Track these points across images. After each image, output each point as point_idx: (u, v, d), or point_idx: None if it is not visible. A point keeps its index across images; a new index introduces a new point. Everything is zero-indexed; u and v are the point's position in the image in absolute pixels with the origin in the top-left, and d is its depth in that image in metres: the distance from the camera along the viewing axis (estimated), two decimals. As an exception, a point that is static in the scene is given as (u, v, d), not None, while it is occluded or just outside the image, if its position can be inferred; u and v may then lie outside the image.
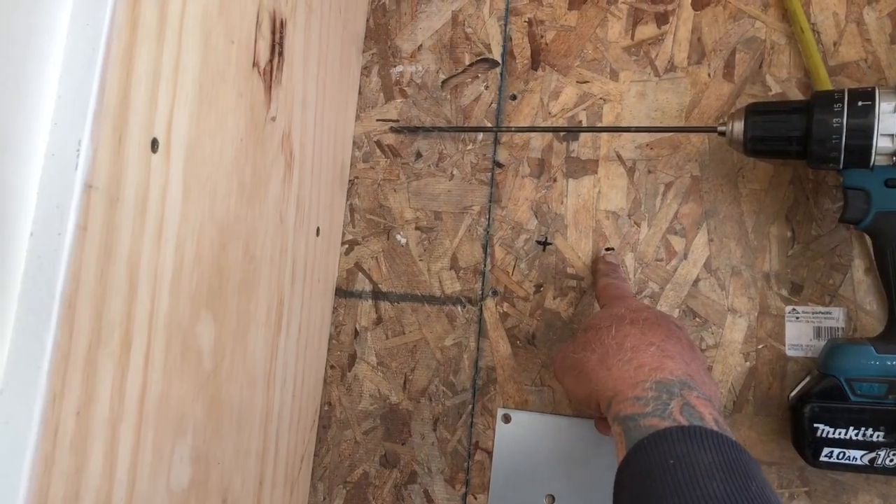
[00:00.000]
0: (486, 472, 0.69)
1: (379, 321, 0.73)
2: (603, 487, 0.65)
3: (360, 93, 0.77)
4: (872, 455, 0.55)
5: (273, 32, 0.56)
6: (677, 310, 0.67)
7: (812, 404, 0.56)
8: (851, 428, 0.55)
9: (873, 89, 0.54)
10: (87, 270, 0.37)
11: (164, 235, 0.44)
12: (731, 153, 0.67)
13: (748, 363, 0.65)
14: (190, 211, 0.46)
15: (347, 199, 0.76)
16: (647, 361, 0.48)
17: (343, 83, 0.72)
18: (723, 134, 0.61)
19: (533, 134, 0.72)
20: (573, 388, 0.54)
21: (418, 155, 0.75)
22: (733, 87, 0.68)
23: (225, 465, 0.54)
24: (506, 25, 0.74)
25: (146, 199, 0.42)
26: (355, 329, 0.74)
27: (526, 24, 0.74)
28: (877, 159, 0.54)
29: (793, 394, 0.60)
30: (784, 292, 0.65)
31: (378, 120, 0.76)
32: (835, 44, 0.65)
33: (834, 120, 0.55)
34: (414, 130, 0.75)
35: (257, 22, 0.53)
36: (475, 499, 0.69)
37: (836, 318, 0.63)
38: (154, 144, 0.42)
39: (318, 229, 0.68)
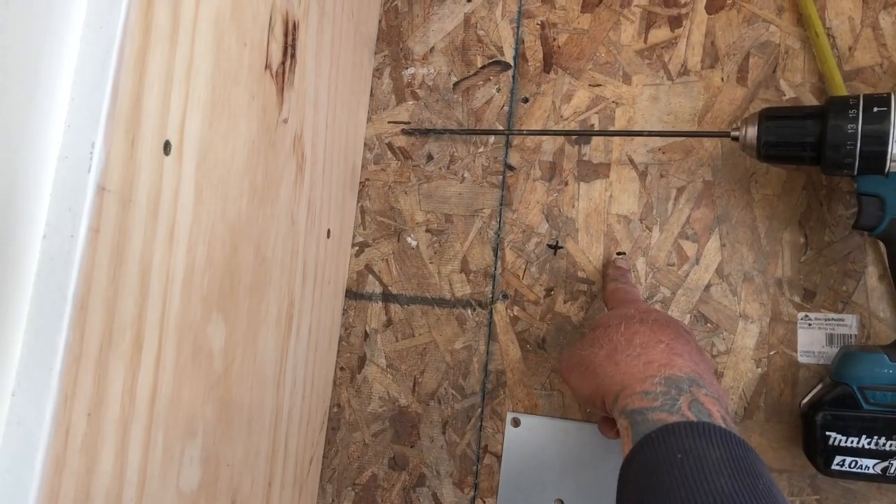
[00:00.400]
0: (494, 476, 0.68)
1: (389, 323, 0.73)
2: (612, 492, 0.65)
3: (371, 95, 0.77)
4: (885, 464, 0.55)
5: (285, 35, 0.56)
6: (688, 315, 0.66)
7: (824, 412, 0.56)
8: (864, 436, 0.55)
9: (889, 95, 0.54)
10: (99, 272, 0.37)
11: (176, 237, 0.44)
12: (744, 158, 0.67)
13: (760, 369, 0.64)
14: (202, 213, 0.46)
15: (358, 201, 0.76)
16: (657, 358, 0.48)
17: (355, 85, 0.72)
18: (736, 139, 0.60)
19: (544, 137, 0.72)
20: (579, 385, 0.53)
21: (429, 157, 0.75)
22: (747, 92, 0.68)
23: (235, 465, 0.54)
24: (518, 28, 0.74)
25: (158, 201, 0.42)
26: (365, 331, 0.74)
27: (538, 26, 0.74)
28: (892, 166, 0.54)
29: (804, 401, 0.60)
30: (796, 298, 0.64)
31: (389, 122, 0.76)
32: (850, 48, 0.65)
33: (849, 126, 0.54)
34: (425, 133, 0.75)
35: (270, 24, 0.53)
36: (483, 502, 0.69)
37: (849, 325, 0.63)
38: (167, 147, 0.42)
39: (328, 231, 0.68)
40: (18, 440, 0.35)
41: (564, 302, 0.69)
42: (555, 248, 0.70)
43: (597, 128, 0.71)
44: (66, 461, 0.37)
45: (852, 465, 0.55)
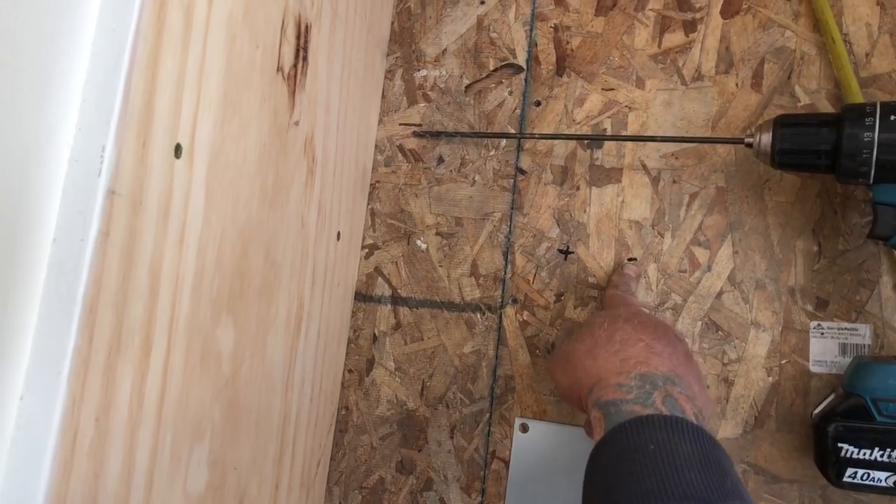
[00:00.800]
0: (502, 482, 0.68)
1: (398, 326, 0.73)
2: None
3: (383, 96, 0.77)
4: (898, 477, 0.54)
5: (298, 37, 0.56)
6: (700, 322, 0.66)
7: (836, 423, 0.55)
8: (877, 449, 0.54)
9: (906, 103, 0.53)
10: (108, 276, 0.37)
11: (186, 240, 0.44)
12: (758, 164, 0.66)
13: (771, 378, 0.64)
14: (212, 216, 0.46)
15: (368, 204, 0.75)
16: (634, 354, 0.49)
17: (367, 87, 0.72)
18: (750, 146, 0.60)
19: (556, 141, 0.71)
20: (560, 378, 0.54)
21: (440, 160, 0.74)
22: (761, 98, 0.67)
23: (242, 469, 0.54)
24: (531, 31, 0.74)
25: (169, 204, 0.42)
26: (374, 334, 0.74)
27: (552, 29, 0.73)
28: (908, 175, 0.53)
29: (816, 411, 0.59)
30: (809, 307, 0.64)
31: (401, 124, 0.76)
32: (867, 55, 0.64)
33: (865, 134, 0.53)
34: (436, 135, 0.74)
35: (282, 26, 0.53)
36: (491, 507, 0.68)
37: (862, 334, 0.62)
38: (178, 150, 0.42)
39: (338, 233, 0.68)
40: (26, 443, 0.35)
41: (574, 307, 0.69)
42: (565, 252, 0.69)
43: (609, 132, 0.70)
44: (74, 465, 0.36)
45: (864, 477, 0.55)
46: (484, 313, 0.71)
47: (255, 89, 0.50)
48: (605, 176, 0.70)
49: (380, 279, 0.74)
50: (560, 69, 0.73)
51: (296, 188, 0.58)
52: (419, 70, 0.76)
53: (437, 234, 0.73)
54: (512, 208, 0.72)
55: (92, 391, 0.37)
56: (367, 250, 0.75)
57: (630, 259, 0.68)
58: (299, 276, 0.60)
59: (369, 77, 0.73)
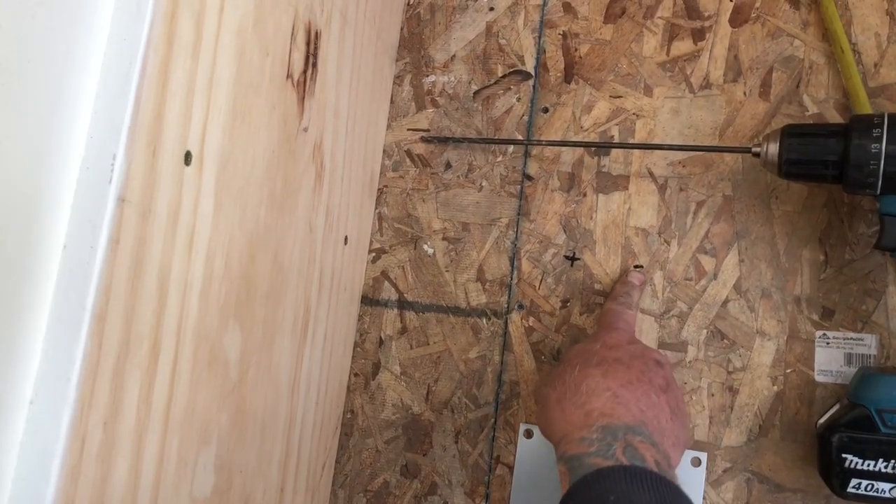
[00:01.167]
0: (506, 487, 0.68)
1: (404, 331, 0.74)
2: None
3: (391, 102, 0.77)
4: (901, 489, 0.54)
5: (307, 44, 0.56)
6: (705, 330, 0.66)
7: (840, 434, 0.55)
8: (881, 460, 0.54)
9: (914, 115, 0.53)
10: (118, 283, 0.38)
11: (195, 247, 0.44)
12: (765, 173, 0.66)
13: (776, 387, 0.64)
14: (220, 223, 0.47)
15: (376, 208, 0.76)
16: (599, 406, 0.51)
17: (375, 92, 0.72)
18: (757, 155, 0.60)
19: (564, 148, 0.71)
20: (539, 421, 0.57)
21: (448, 165, 0.75)
22: (769, 107, 0.67)
23: (248, 472, 0.54)
24: (540, 38, 0.74)
25: (178, 211, 0.42)
26: (380, 337, 0.74)
27: (560, 36, 0.73)
28: (915, 187, 0.53)
29: (821, 421, 0.59)
30: (815, 317, 0.64)
31: (409, 129, 0.76)
32: (875, 65, 0.64)
33: (872, 145, 0.53)
34: (444, 141, 0.75)
35: (292, 34, 0.54)
36: (495, 512, 0.69)
37: (868, 344, 0.62)
38: (187, 157, 0.42)
39: (346, 238, 0.68)
40: (35, 449, 0.36)
41: (580, 314, 0.69)
42: (572, 259, 0.69)
43: (617, 139, 0.70)
44: (82, 470, 0.37)
45: (868, 488, 0.55)
46: (490, 319, 0.71)
47: (264, 96, 0.51)
48: (611, 183, 0.70)
49: (386, 283, 0.75)
50: (568, 76, 0.73)
51: (304, 194, 0.58)
52: (428, 76, 0.77)
53: (444, 238, 0.74)
54: (519, 214, 0.72)
55: (100, 397, 0.38)
56: (374, 254, 0.75)
57: (636, 266, 0.68)
58: (306, 281, 0.61)
59: (378, 82, 0.73)
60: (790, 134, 0.58)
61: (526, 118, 0.73)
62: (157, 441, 0.43)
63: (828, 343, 0.63)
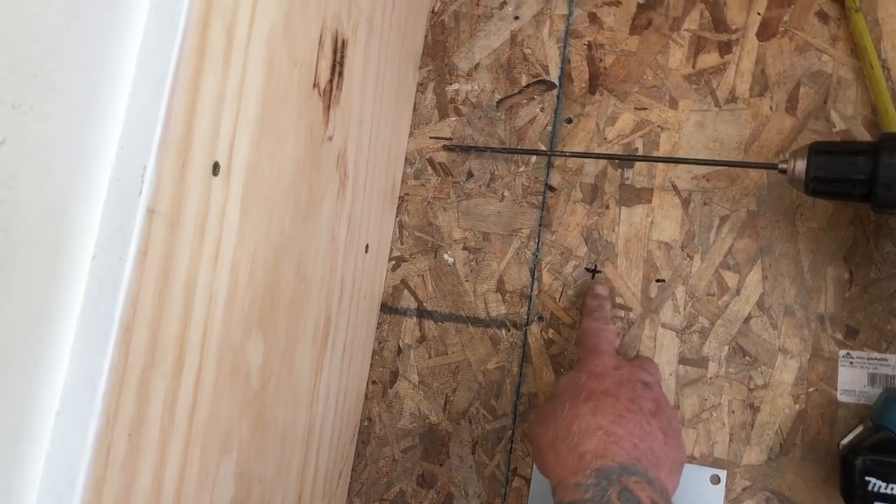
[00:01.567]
0: (523, 500, 0.68)
1: (422, 339, 0.73)
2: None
3: (414, 109, 0.77)
4: (926, 515, 0.54)
5: (334, 52, 0.56)
6: (727, 347, 0.65)
7: (864, 457, 0.55)
8: (905, 484, 0.54)
9: (946, 137, 0.52)
10: (145, 294, 0.38)
11: (221, 257, 0.44)
12: (790, 189, 0.66)
13: (797, 406, 0.63)
14: (246, 232, 0.47)
15: (397, 216, 0.76)
16: (591, 448, 0.51)
17: (399, 100, 0.72)
18: (784, 172, 0.59)
19: (587, 159, 0.71)
20: (535, 461, 0.57)
21: (470, 174, 0.74)
22: (796, 122, 0.66)
23: (266, 481, 0.54)
24: (565, 47, 0.74)
25: (205, 222, 0.42)
26: (398, 346, 0.74)
27: (585, 47, 0.73)
28: (946, 209, 0.52)
29: (844, 442, 0.58)
30: (838, 335, 0.63)
31: (431, 137, 0.76)
32: (905, 83, 0.64)
33: (902, 165, 0.53)
34: (466, 150, 0.74)
35: (320, 42, 0.53)
36: (510, 525, 0.68)
37: (892, 365, 0.61)
38: (216, 168, 0.42)
39: (367, 246, 0.68)
40: (61, 459, 0.36)
41: (600, 327, 0.69)
42: (593, 271, 0.69)
43: (641, 152, 0.70)
44: (106, 480, 0.37)
45: (892, 512, 0.54)
46: (509, 330, 0.71)
47: (291, 105, 0.50)
48: (635, 195, 0.70)
49: (406, 292, 0.75)
50: (593, 87, 0.72)
51: (328, 202, 0.58)
52: (451, 84, 0.76)
53: (465, 248, 0.73)
54: (540, 225, 0.72)
55: (126, 407, 0.38)
56: (394, 262, 0.75)
57: (588, 269, 0.68)
58: (328, 290, 0.61)
59: (402, 90, 0.73)
60: (818, 151, 0.57)
61: (549, 128, 0.73)
62: (179, 451, 0.43)
63: (851, 363, 0.63)
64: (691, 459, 0.65)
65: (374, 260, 0.71)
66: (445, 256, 0.74)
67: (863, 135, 0.65)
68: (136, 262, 0.37)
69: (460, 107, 0.76)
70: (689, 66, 0.70)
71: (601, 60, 0.73)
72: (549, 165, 0.72)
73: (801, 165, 0.58)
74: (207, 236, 0.43)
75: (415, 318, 0.74)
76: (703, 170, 0.68)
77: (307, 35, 0.52)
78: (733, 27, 0.69)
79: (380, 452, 0.73)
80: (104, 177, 0.37)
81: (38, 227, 0.34)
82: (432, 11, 0.78)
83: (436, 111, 0.76)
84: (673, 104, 0.70)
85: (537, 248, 0.71)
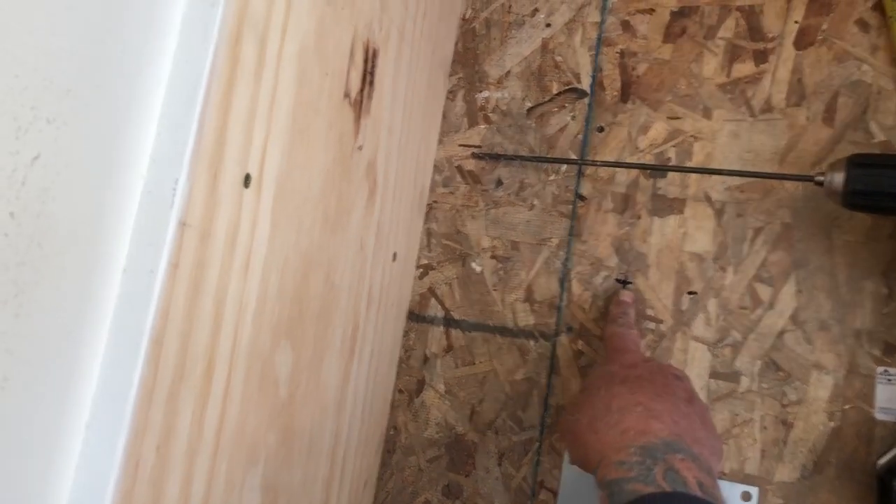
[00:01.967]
0: (549, 513, 0.67)
1: (449, 349, 0.73)
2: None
3: (444, 117, 0.76)
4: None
5: (365, 62, 0.56)
6: (759, 361, 0.64)
7: (902, 478, 0.54)
8: (945, 508, 0.52)
9: None
10: (175, 307, 0.38)
11: (251, 268, 0.44)
12: (826, 201, 0.64)
13: (832, 423, 0.62)
14: (276, 243, 0.47)
15: (425, 224, 0.75)
16: (633, 424, 0.49)
17: (428, 107, 0.72)
18: (821, 184, 0.58)
19: (618, 168, 0.70)
20: (572, 452, 0.55)
21: (499, 182, 0.74)
22: (833, 133, 0.65)
23: (293, 491, 0.54)
24: (597, 55, 0.73)
25: (236, 233, 0.42)
26: (425, 355, 0.73)
27: (618, 55, 0.72)
28: None
29: (881, 462, 0.57)
30: (876, 352, 0.62)
31: (460, 145, 0.76)
32: (948, 94, 0.62)
33: (946, 180, 0.52)
34: (496, 158, 0.74)
35: (351, 52, 0.53)
36: (537, 537, 0.68)
37: (931, 384, 0.60)
38: (247, 180, 0.42)
39: (395, 254, 0.68)
40: (90, 472, 0.36)
41: (630, 339, 0.68)
42: (624, 283, 0.68)
43: (674, 162, 0.69)
44: (134, 493, 0.37)
45: (930, 536, 0.53)
46: (537, 340, 0.70)
47: (322, 116, 0.50)
48: (667, 206, 0.69)
49: (433, 300, 0.74)
50: (625, 95, 0.71)
51: (357, 211, 0.58)
52: (481, 91, 0.76)
53: (493, 257, 0.73)
54: (570, 235, 0.71)
55: (155, 420, 0.38)
56: (421, 270, 0.75)
57: (619, 280, 0.67)
58: (356, 298, 0.60)
59: (431, 97, 0.73)
60: (857, 164, 0.56)
61: (580, 137, 0.72)
62: (207, 463, 0.43)
63: (889, 380, 0.61)
64: (721, 476, 0.63)
65: (401, 268, 0.70)
66: (473, 265, 0.73)
67: (903, 146, 0.63)
68: (167, 274, 0.37)
69: (490, 114, 0.75)
70: (724, 75, 0.69)
71: (634, 69, 0.72)
72: (580, 174, 0.72)
73: (839, 178, 0.57)
74: (238, 247, 0.42)
75: (442, 327, 0.73)
76: (737, 181, 0.67)
77: (338, 46, 0.51)
78: (770, 35, 0.68)
79: (405, 462, 0.72)
80: (136, 190, 0.37)
81: (71, 240, 0.34)
82: (463, 19, 0.78)
83: (465, 119, 0.76)
84: (707, 114, 0.69)
85: (567, 258, 0.71)
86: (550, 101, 0.74)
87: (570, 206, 0.71)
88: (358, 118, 0.56)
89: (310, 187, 0.50)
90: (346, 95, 0.54)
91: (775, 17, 0.68)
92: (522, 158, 0.73)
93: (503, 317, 0.72)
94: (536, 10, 0.75)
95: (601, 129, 0.72)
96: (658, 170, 0.69)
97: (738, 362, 0.65)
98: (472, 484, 0.70)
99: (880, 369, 0.61)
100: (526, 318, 0.71)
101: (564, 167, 0.72)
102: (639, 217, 0.69)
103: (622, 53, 0.72)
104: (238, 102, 0.40)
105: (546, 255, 0.71)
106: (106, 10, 0.34)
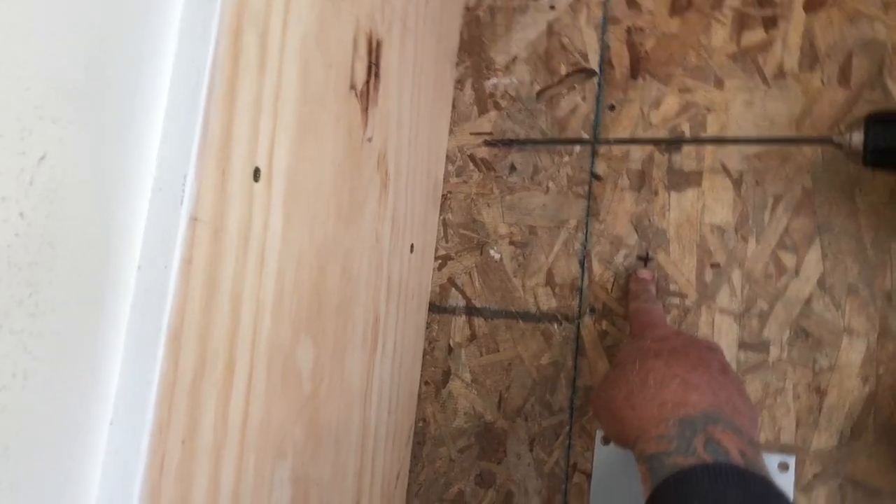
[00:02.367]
0: (584, 495, 0.67)
1: (473, 337, 0.73)
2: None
3: (453, 107, 0.76)
4: None
5: (369, 53, 0.56)
6: (788, 329, 0.63)
7: (942, 438, 0.52)
8: None
9: None
10: (192, 302, 0.38)
11: (266, 263, 0.44)
12: (846, 164, 0.63)
13: (867, 387, 0.61)
14: (290, 237, 0.47)
15: (440, 214, 0.75)
16: (671, 397, 0.48)
17: (437, 98, 0.72)
18: (839, 145, 0.57)
19: (632, 145, 0.69)
20: (608, 428, 0.54)
21: (512, 168, 0.73)
22: (849, 94, 0.64)
23: (324, 485, 0.54)
24: (603, 34, 0.72)
25: (249, 228, 0.42)
26: (449, 345, 0.73)
27: (625, 32, 0.72)
28: None
29: (918, 424, 0.56)
30: (907, 313, 0.60)
31: (472, 133, 0.75)
32: (965, 45, 0.61)
33: (967, 130, 0.50)
34: (508, 143, 0.73)
35: (354, 44, 0.53)
36: (573, 521, 0.67)
37: (967, 341, 0.59)
38: (256, 174, 0.42)
39: (412, 246, 0.68)
40: (117, 469, 0.36)
41: (655, 316, 0.67)
42: (645, 259, 0.67)
43: (688, 135, 0.68)
44: (162, 489, 0.37)
45: (974, 495, 0.52)
46: (561, 323, 0.70)
47: (329, 108, 0.50)
48: (684, 180, 0.68)
49: (454, 290, 0.74)
50: (634, 72, 0.71)
51: (370, 204, 0.58)
52: (489, 78, 0.76)
53: (511, 243, 0.73)
54: (587, 215, 0.70)
55: (178, 415, 0.38)
56: (440, 261, 0.75)
57: (641, 258, 0.67)
58: (374, 291, 0.60)
59: (439, 88, 0.72)
60: (876, 121, 0.55)
61: (592, 116, 0.71)
62: (234, 457, 0.43)
63: (922, 340, 0.60)
64: (757, 448, 0.63)
65: (419, 259, 0.70)
66: (492, 252, 0.73)
67: (922, 102, 0.62)
68: (180, 270, 0.37)
69: (500, 101, 0.75)
70: (734, 45, 0.68)
71: (642, 44, 0.71)
72: (594, 154, 0.71)
73: (857, 137, 0.56)
74: (252, 242, 0.43)
75: (464, 317, 0.73)
76: (754, 149, 0.66)
77: (341, 38, 0.51)
78: (778, 1, 0.67)
79: (436, 453, 0.72)
80: (146, 187, 0.37)
81: (83, 239, 0.34)
82: (466, 7, 0.78)
83: (475, 107, 0.76)
84: (719, 84, 0.68)
85: (586, 239, 0.70)
86: (559, 83, 0.73)
87: (586, 187, 0.71)
88: (365, 110, 0.56)
89: (321, 180, 0.50)
90: (352, 87, 0.54)
91: (782, -19, 0.67)
92: (535, 142, 0.72)
93: (525, 302, 0.71)
94: (540, -7, 0.75)
95: (612, 108, 0.71)
96: (672, 143, 0.68)
97: (767, 332, 0.64)
98: (504, 471, 0.70)
99: (913, 330, 0.60)
100: (548, 302, 0.71)
101: (578, 148, 0.72)
102: (656, 193, 0.68)
103: (629, 30, 0.71)
104: (242, 97, 0.41)
105: (564, 237, 0.71)
106: (104, 10, 0.34)
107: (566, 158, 0.72)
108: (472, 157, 0.75)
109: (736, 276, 0.65)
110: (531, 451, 0.69)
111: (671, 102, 0.69)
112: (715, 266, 0.66)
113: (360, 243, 0.57)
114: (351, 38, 0.53)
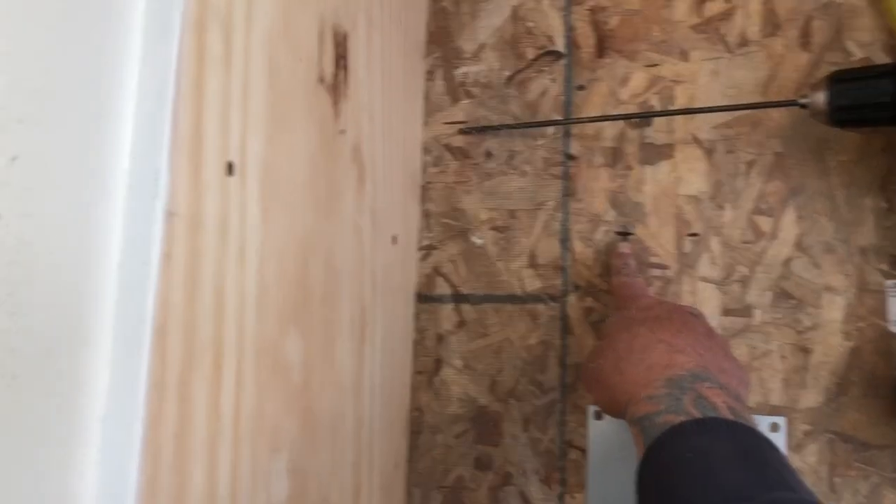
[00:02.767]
0: (581, 471, 0.67)
1: (461, 324, 0.73)
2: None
3: (426, 98, 0.77)
4: None
5: (336, 46, 0.56)
6: (769, 292, 0.64)
7: (924, 383, 0.53)
8: (970, 406, 0.52)
9: (968, 44, 0.51)
10: (174, 297, 0.38)
11: (247, 256, 0.45)
12: (815, 125, 0.64)
13: (850, 343, 0.62)
14: (270, 229, 0.47)
15: (421, 205, 0.76)
16: (658, 360, 0.49)
17: (408, 90, 0.72)
18: (805, 106, 0.58)
19: (604, 123, 0.70)
20: (599, 398, 0.55)
21: (488, 154, 0.74)
22: (812, 57, 0.65)
23: (322, 476, 0.55)
24: (568, 16, 0.73)
25: (226, 221, 0.43)
26: (438, 333, 0.74)
27: (588, 12, 0.72)
28: (977, 118, 0.51)
29: (902, 373, 0.57)
30: (884, 266, 0.62)
31: (446, 123, 0.76)
32: (920, 0, 0.62)
33: (926, 80, 0.51)
34: (482, 130, 0.74)
35: (320, 38, 0.54)
36: (573, 498, 0.68)
37: (943, 289, 0.60)
38: (230, 168, 0.43)
39: (394, 237, 0.68)
40: (112, 465, 0.36)
41: (638, 289, 0.68)
42: (625, 234, 0.68)
43: (657, 108, 0.69)
44: (158, 482, 0.37)
45: (960, 436, 0.53)
46: (547, 303, 0.71)
47: (299, 101, 0.51)
48: (656, 153, 0.69)
49: (439, 279, 0.75)
50: (601, 51, 0.72)
51: (348, 196, 0.59)
52: (459, 67, 0.76)
53: (493, 228, 0.73)
54: (565, 195, 0.71)
55: (169, 409, 0.38)
56: (424, 251, 0.75)
57: (619, 233, 0.67)
58: (359, 283, 0.61)
59: (410, 80, 0.73)
60: (838, 80, 0.56)
61: (562, 98, 0.72)
62: (229, 449, 0.43)
63: (900, 292, 0.61)
64: (747, 411, 0.63)
65: (402, 251, 0.71)
66: (474, 239, 0.74)
67: (883, 60, 0.63)
68: (161, 265, 0.37)
69: (471, 89, 0.76)
70: (696, 16, 0.69)
71: (606, 23, 0.72)
72: (567, 135, 0.72)
73: (822, 97, 0.57)
74: (230, 235, 0.43)
75: (451, 304, 0.74)
76: (723, 117, 0.67)
77: (307, 31, 0.52)
78: (736, -30, 0.68)
79: (433, 441, 0.73)
80: (121, 184, 0.38)
81: (61, 238, 0.34)
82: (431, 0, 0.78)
83: (447, 97, 0.76)
84: (684, 56, 0.69)
85: (565, 219, 0.71)
86: (528, 67, 0.74)
87: (562, 168, 0.72)
88: (336, 102, 0.56)
89: (296, 172, 0.51)
90: (321, 80, 0.54)
91: (739, -49, 0.68)
92: (508, 127, 0.73)
93: (510, 285, 0.72)
94: (503, -20, 0.76)
95: (581, 88, 0.72)
96: (643, 117, 0.69)
97: (749, 296, 0.65)
98: (501, 453, 0.70)
99: (890, 283, 0.61)
100: (532, 283, 0.71)
101: (551, 129, 0.72)
102: (630, 168, 0.69)
103: (592, 10, 0.72)
104: (210, 91, 0.41)
105: (544, 218, 0.72)
106: (64, 9, 0.35)
107: (540, 141, 0.73)
108: (447, 147, 0.76)
109: (715, 243, 0.66)
110: (526, 431, 0.70)
111: (639, 78, 0.70)
112: (693, 235, 0.67)
113: (341, 235, 0.58)
114: (316, 32, 0.53)
